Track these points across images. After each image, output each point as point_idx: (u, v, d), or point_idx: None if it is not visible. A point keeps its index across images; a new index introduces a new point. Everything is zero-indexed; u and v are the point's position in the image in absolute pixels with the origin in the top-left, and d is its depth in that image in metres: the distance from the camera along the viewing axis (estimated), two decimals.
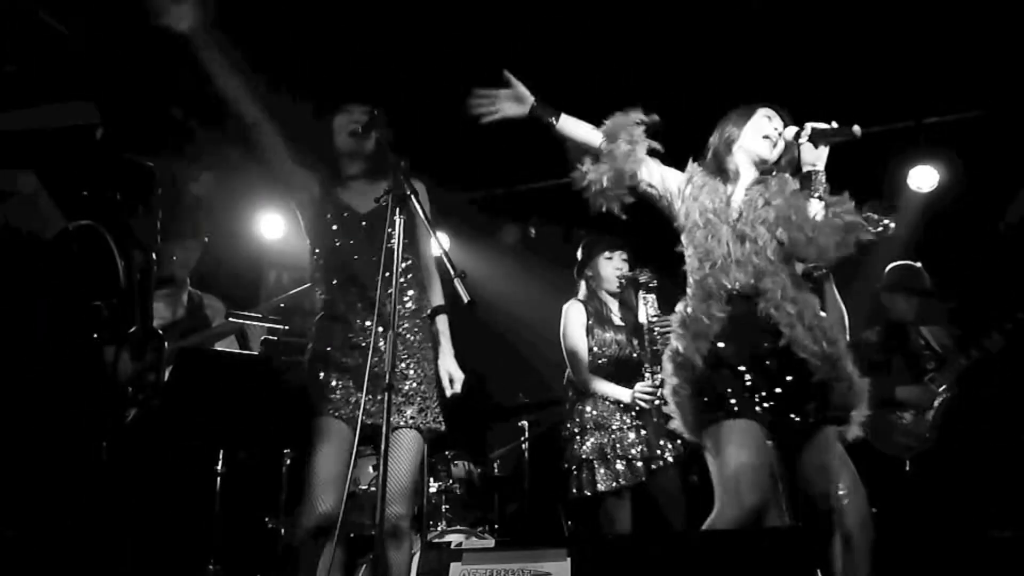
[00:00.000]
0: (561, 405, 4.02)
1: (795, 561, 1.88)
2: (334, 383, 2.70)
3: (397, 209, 2.52)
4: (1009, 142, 4.63)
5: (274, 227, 5.74)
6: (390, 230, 2.60)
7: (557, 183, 5.71)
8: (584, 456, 3.61)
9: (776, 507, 2.53)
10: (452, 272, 2.40)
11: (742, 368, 2.43)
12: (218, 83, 2.65)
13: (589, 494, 3.57)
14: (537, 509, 4.41)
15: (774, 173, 2.65)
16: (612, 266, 3.87)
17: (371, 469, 3.91)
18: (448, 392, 2.85)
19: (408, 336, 2.80)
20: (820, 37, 4.19)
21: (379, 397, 2.59)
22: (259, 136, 2.77)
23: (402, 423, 2.71)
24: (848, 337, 3.72)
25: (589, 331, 3.80)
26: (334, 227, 2.82)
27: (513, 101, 2.67)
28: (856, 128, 2.52)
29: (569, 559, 2.00)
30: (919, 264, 4.28)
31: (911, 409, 4.10)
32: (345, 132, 2.84)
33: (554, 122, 2.66)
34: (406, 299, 2.83)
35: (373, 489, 3.72)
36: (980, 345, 4.06)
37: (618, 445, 3.60)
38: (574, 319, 3.83)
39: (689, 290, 2.55)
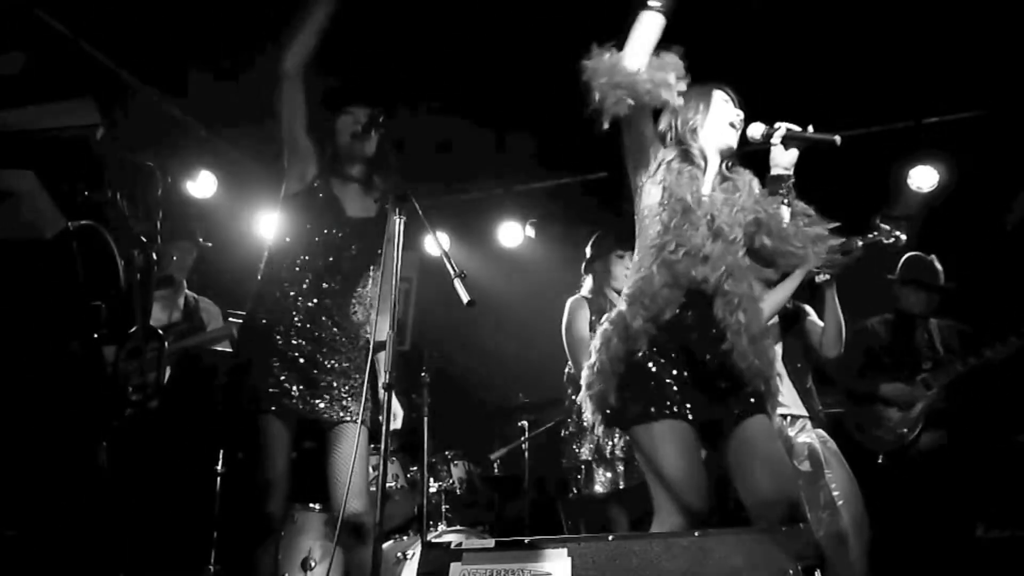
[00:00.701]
0: (561, 405, 4.03)
1: (795, 561, 1.88)
2: (277, 377, 2.67)
3: (395, 209, 2.53)
4: (1009, 142, 4.63)
5: (274, 227, 5.73)
6: (374, 229, 2.60)
7: (557, 183, 5.75)
8: (584, 457, 3.61)
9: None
10: (452, 272, 2.40)
11: (681, 364, 2.33)
12: (306, 16, 2.70)
13: (588, 495, 3.57)
14: (537, 509, 4.41)
15: (731, 164, 2.56)
16: (623, 265, 3.85)
17: (371, 469, 3.90)
18: (391, 426, 2.84)
19: (351, 340, 2.81)
20: (820, 37, 4.19)
21: (319, 390, 2.66)
22: (290, 81, 2.78)
23: (348, 418, 2.72)
24: (842, 349, 3.73)
25: (592, 327, 3.80)
26: (322, 220, 2.82)
27: None
28: (836, 137, 2.42)
29: (569, 559, 2.00)
30: (932, 257, 4.25)
31: (896, 405, 4.08)
32: (347, 133, 2.85)
33: (654, 8, 2.41)
34: (361, 309, 2.85)
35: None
36: (980, 354, 4.01)
37: (618, 446, 3.60)
38: (577, 315, 3.82)
39: (653, 268, 2.39)
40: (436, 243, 2.59)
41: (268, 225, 5.67)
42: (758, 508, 2.28)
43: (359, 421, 2.70)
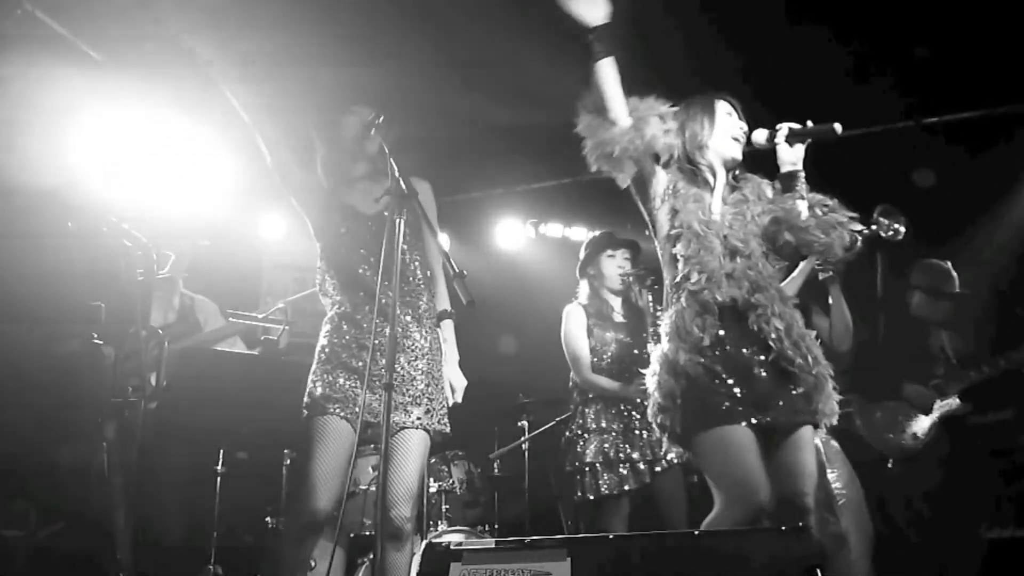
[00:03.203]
0: (561, 404, 4.02)
1: (795, 561, 1.88)
2: (341, 382, 2.70)
3: (397, 209, 2.52)
4: (1008, 142, 4.62)
5: (274, 227, 5.73)
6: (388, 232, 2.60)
7: (559, 183, 5.75)
8: (588, 460, 3.60)
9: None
10: (452, 271, 2.40)
11: (732, 380, 2.43)
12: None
13: (592, 498, 3.56)
14: (537, 509, 4.40)
15: (738, 174, 2.65)
16: (614, 264, 3.86)
17: (371, 469, 3.91)
18: (450, 400, 2.87)
19: (418, 337, 2.79)
20: (820, 36, 4.18)
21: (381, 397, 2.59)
22: (260, 135, 2.76)
23: (408, 424, 2.71)
24: (851, 344, 3.71)
25: (589, 331, 3.80)
26: (341, 229, 2.81)
27: (591, 3, 2.45)
28: (837, 125, 2.51)
29: (569, 559, 2.00)
30: (948, 264, 4.20)
31: (913, 408, 4.01)
32: (349, 133, 2.85)
33: (601, 57, 2.46)
34: (419, 301, 2.83)
35: (374, 489, 3.72)
36: (994, 362, 3.94)
37: (622, 449, 3.59)
38: (574, 322, 3.83)
39: (682, 300, 2.51)
40: (436, 243, 2.58)
41: (268, 225, 5.70)
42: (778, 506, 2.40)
43: (415, 426, 2.71)
